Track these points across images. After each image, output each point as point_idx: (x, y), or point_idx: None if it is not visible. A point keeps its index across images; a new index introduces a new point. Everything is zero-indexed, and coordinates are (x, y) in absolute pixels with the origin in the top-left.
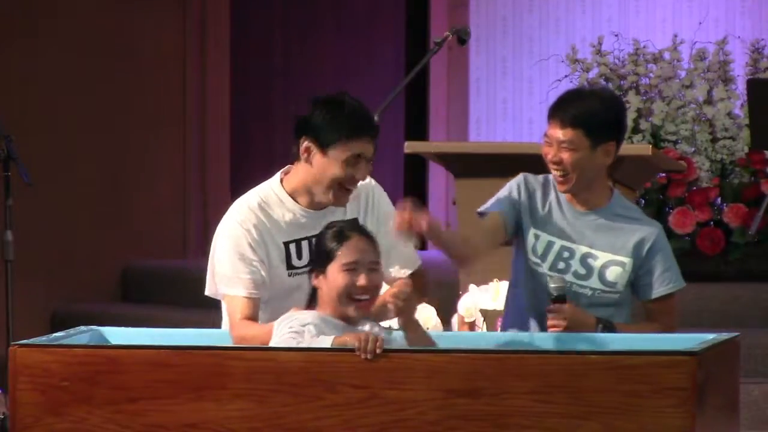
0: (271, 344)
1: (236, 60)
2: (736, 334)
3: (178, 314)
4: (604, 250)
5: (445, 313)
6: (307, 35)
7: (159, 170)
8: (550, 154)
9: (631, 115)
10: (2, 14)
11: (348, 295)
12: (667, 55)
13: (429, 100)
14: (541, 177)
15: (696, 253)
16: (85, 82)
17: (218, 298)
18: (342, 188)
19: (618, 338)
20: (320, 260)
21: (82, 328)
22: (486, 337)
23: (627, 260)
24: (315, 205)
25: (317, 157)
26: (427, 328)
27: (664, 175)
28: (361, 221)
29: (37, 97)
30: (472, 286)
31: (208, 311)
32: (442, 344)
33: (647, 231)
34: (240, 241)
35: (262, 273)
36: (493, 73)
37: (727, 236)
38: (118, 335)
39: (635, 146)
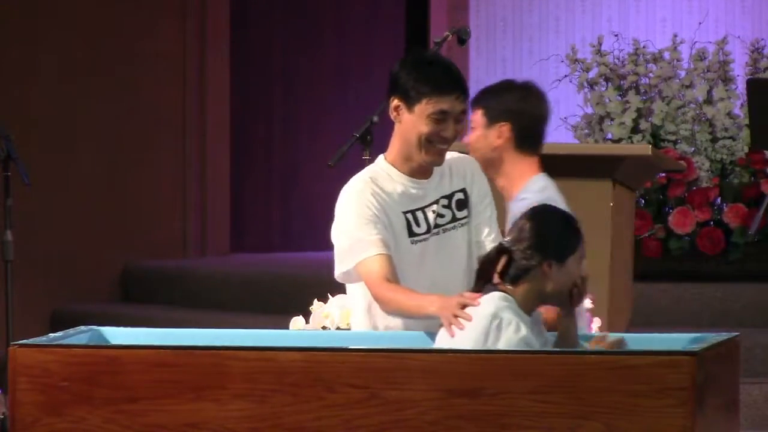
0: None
1: (236, 60)
2: (736, 334)
3: (178, 314)
4: None
5: None
6: (307, 35)
7: (159, 170)
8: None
9: (631, 115)
10: (2, 14)
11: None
12: (667, 55)
13: None
14: None
15: (696, 253)
16: (85, 82)
17: (350, 281)
18: (432, 146)
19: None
20: None
21: (82, 328)
22: None
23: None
24: (419, 172)
25: (405, 115)
26: None
27: (664, 175)
28: (468, 192)
29: (37, 97)
30: None
31: (209, 311)
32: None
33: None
34: (362, 209)
35: (388, 236)
36: (493, 73)
37: (727, 236)
38: (118, 335)
39: (635, 146)
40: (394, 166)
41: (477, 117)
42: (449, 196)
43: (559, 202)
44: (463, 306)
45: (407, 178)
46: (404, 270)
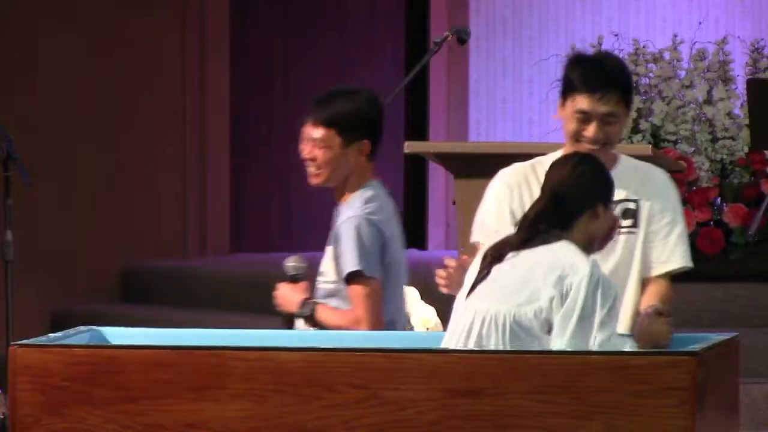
0: None
1: (236, 60)
2: (736, 334)
3: (178, 314)
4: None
5: (446, 313)
6: (307, 35)
7: (159, 170)
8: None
9: (630, 115)
10: (2, 14)
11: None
12: (666, 55)
13: (429, 100)
14: None
15: (696, 253)
16: (85, 83)
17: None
18: (581, 144)
19: None
20: None
21: (82, 328)
22: None
23: (329, 249)
24: None
25: (560, 110)
26: (427, 329)
27: None
28: (642, 203)
29: (37, 97)
30: None
31: (209, 311)
32: (442, 344)
33: (342, 218)
34: (500, 191)
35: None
36: (493, 73)
37: (727, 236)
38: (118, 335)
39: (635, 146)
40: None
41: (331, 136)
42: (615, 202)
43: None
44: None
45: None
46: None
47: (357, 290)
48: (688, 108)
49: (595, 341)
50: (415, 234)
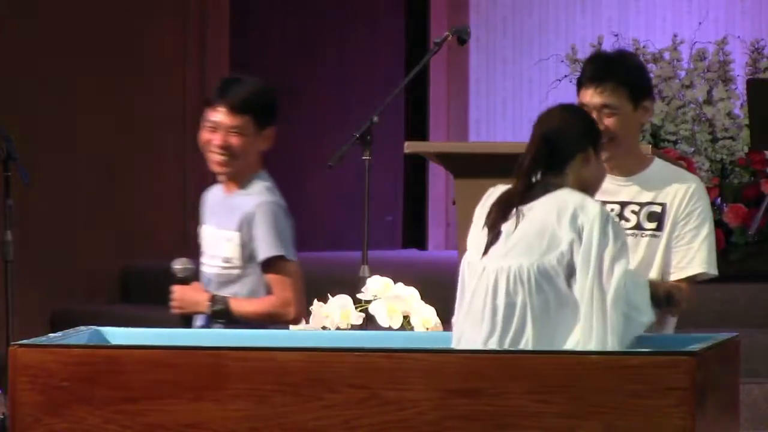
0: None
1: (236, 60)
2: (736, 334)
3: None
4: (219, 228)
5: (445, 313)
6: (306, 35)
7: (159, 170)
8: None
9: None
10: (2, 14)
11: None
12: (666, 55)
13: (429, 100)
14: None
15: None
16: (85, 83)
17: None
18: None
19: None
20: None
21: (82, 328)
22: None
23: (235, 234)
24: (614, 168)
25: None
26: (427, 329)
27: None
28: (668, 207)
29: (37, 97)
30: None
31: None
32: (442, 344)
33: (251, 204)
34: None
35: None
36: (493, 73)
37: (727, 236)
38: (117, 335)
39: None
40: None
41: (246, 123)
42: (641, 204)
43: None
44: None
45: (609, 175)
46: None
47: (281, 274)
48: (688, 108)
49: (614, 274)
50: (415, 234)
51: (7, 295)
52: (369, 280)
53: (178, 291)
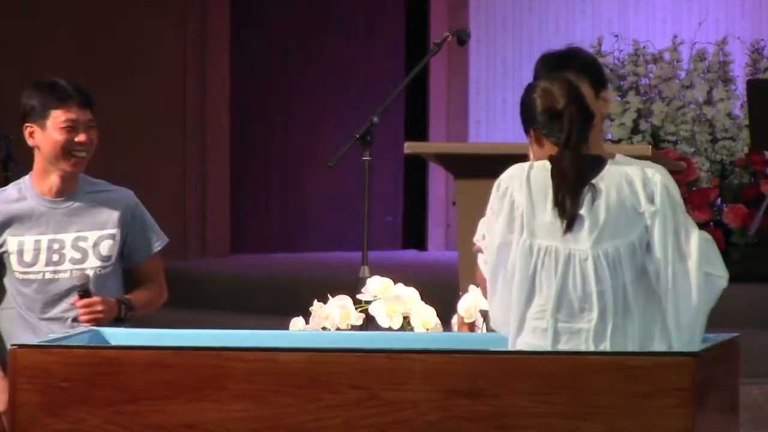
0: None
1: (236, 61)
2: (736, 334)
3: (177, 314)
4: (92, 229)
5: (445, 313)
6: (307, 36)
7: (159, 171)
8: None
9: (630, 116)
10: (2, 14)
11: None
12: (666, 56)
13: (429, 100)
14: None
15: None
16: (84, 83)
17: None
18: None
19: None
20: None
21: (82, 328)
22: (486, 338)
23: (115, 231)
24: None
25: None
26: (427, 329)
27: None
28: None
29: None
30: (472, 287)
31: (209, 311)
32: (442, 345)
33: (127, 197)
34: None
35: None
36: (493, 73)
37: (727, 237)
38: (118, 335)
39: (635, 147)
40: None
41: (93, 118)
42: None
43: None
44: None
45: None
46: None
47: (160, 262)
48: (688, 108)
49: (691, 238)
50: (415, 234)
51: None
52: (369, 281)
53: (87, 304)
